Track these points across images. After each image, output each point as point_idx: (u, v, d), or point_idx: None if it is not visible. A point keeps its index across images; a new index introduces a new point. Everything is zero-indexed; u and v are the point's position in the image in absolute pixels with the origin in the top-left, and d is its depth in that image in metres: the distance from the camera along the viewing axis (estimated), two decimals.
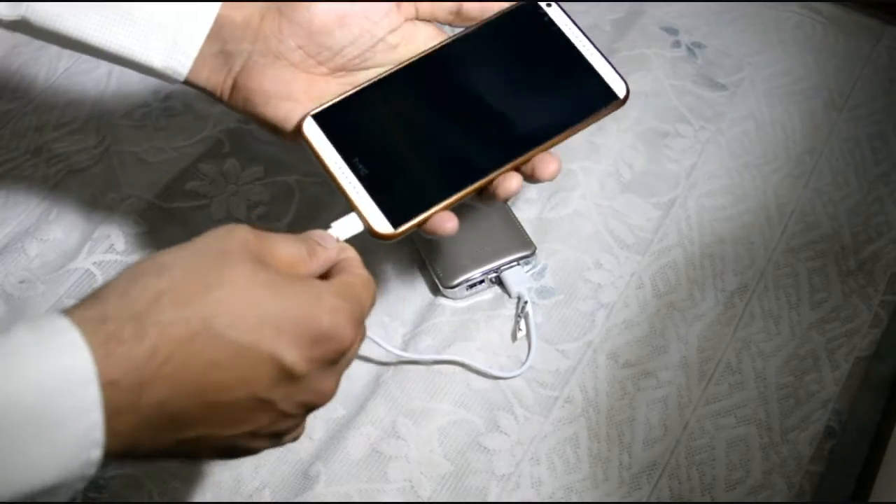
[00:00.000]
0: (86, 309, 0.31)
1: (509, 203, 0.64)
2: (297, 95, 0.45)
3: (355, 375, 0.57)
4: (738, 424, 0.55)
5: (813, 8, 0.76)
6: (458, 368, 0.57)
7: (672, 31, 0.75)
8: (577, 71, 0.48)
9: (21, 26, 0.41)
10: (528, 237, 0.61)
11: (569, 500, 0.53)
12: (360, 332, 0.37)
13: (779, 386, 0.57)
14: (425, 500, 0.53)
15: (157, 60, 0.42)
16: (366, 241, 0.44)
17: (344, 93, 0.46)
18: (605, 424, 0.55)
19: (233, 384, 0.32)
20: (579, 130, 0.48)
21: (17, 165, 0.66)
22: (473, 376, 0.57)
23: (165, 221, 0.63)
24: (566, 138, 0.47)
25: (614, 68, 0.48)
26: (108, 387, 0.29)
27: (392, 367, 0.57)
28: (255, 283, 0.33)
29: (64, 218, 0.63)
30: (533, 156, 0.46)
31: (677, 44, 0.74)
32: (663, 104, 0.70)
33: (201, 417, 0.32)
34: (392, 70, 0.47)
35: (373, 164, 0.45)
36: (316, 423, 0.55)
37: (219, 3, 0.42)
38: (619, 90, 0.48)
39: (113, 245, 0.62)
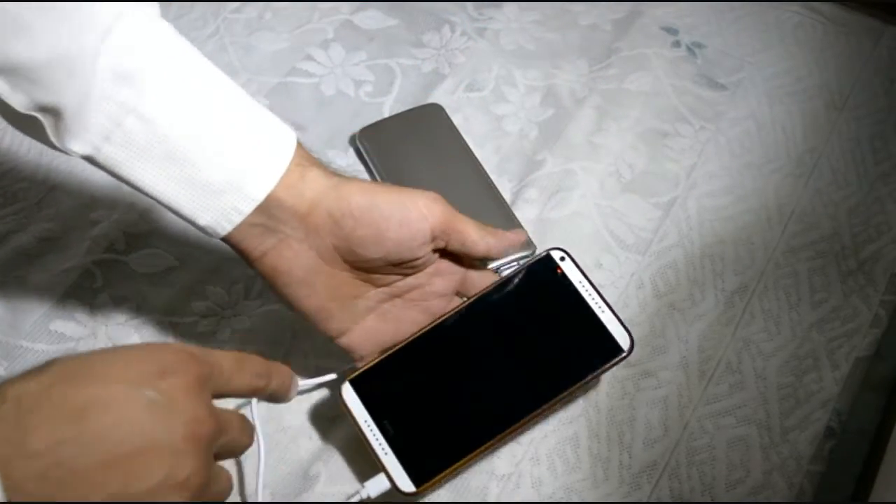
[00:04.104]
0: None
1: (509, 203, 0.64)
2: (317, 286, 0.47)
3: None
4: (738, 424, 0.55)
5: (813, 8, 0.76)
6: None
7: (672, 31, 0.75)
8: (585, 326, 0.51)
9: (90, 160, 0.43)
10: (529, 237, 0.61)
11: (569, 500, 0.53)
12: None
13: (779, 386, 0.57)
14: (426, 500, 0.53)
15: (202, 220, 0.44)
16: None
17: (377, 358, 0.51)
18: (605, 424, 0.55)
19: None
20: (586, 385, 0.51)
21: (18, 164, 0.66)
22: None
23: (165, 221, 0.63)
24: (576, 392, 0.50)
25: (620, 321, 0.51)
26: None
27: None
28: None
29: (64, 217, 0.63)
30: (544, 411, 0.49)
31: (677, 44, 0.74)
32: (663, 104, 0.70)
33: None
34: (420, 333, 0.51)
35: (400, 426, 0.49)
36: (317, 423, 0.55)
37: (273, 182, 0.44)
38: (624, 343, 0.50)
39: (113, 245, 0.62)
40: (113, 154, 0.42)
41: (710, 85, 0.71)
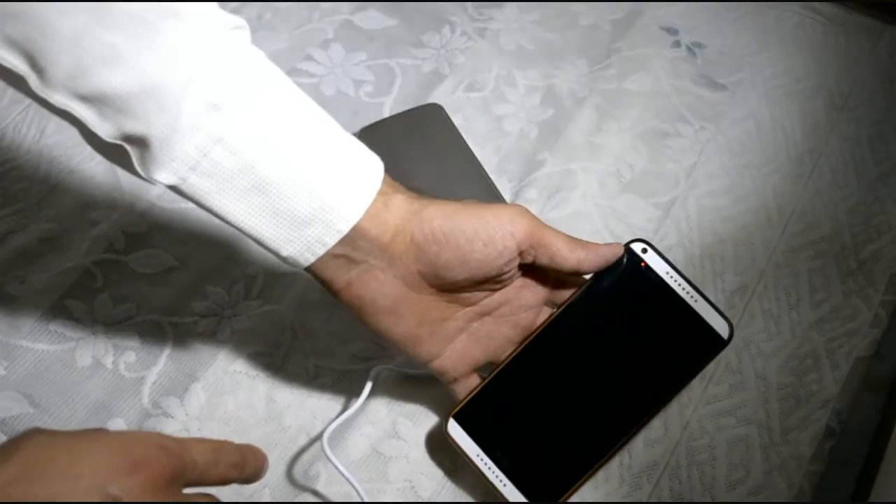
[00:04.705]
0: None
1: (510, 203, 0.64)
2: (405, 314, 0.46)
3: (356, 376, 0.57)
4: (738, 424, 0.56)
5: (813, 8, 0.76)
6: None
7: (672, 31, 0.75)
8: (680, 318, 0.49)
9: (175, 189, 0.42)
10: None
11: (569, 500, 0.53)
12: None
13: (779, 386, 0.57)
14: (425, 500, 0.53)
15: (285, 251, 0.44)
16: None
17: (476, 387, 0.49)
18: None
19: None
20: (691, 380, 0.49)
21: (18, 165, 0.66)
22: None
23: (165, 221, 0.63)
24: (682, 389, 0.49)
25: (715, 307, 0.49)
26: None
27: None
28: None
29: (64, 217, 0.63)
30: (656, 413, 0.48)
31: (677, 44, 0.74)
32: (663, 104, 0.70)
33: None
34: (514, 353, 0.50)
35: (514, 454, 0.48)
36: (316, 422, 0.55)
37: (359, 215, 0.43)
38: (723, 331, 0.48)
39: (113, 245, 0.62)
40: (198, 184, 0.41)
41: (710, 85, 0.71)
